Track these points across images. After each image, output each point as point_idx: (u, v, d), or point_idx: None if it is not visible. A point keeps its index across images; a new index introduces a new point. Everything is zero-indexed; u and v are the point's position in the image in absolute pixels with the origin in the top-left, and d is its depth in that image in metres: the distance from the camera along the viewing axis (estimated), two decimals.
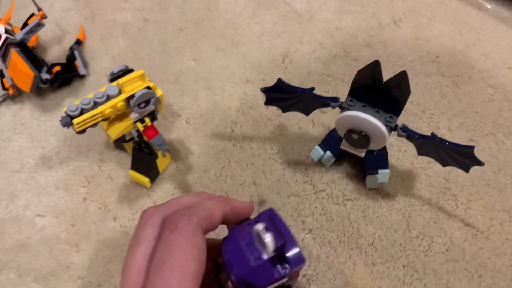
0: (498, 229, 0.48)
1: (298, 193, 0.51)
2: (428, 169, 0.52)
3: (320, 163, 0.53)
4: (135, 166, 0.51)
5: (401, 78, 0.42)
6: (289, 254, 0.33)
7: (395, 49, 0.62)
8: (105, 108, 0.43)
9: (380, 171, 0.49)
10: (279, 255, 0.33)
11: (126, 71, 0.45)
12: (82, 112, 0.42)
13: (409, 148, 0.54)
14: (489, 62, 0.61)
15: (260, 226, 0.33)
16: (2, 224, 0.49)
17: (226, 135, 0.56)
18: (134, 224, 0.49)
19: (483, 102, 0.57)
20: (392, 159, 0.53)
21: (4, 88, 0.57)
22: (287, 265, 0.33)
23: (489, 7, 0.67)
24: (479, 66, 0.61)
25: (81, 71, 0.59)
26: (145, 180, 0.50)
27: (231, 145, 0.55)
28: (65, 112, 0.42)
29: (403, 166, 0.53)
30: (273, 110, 0.57)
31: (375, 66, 0.42)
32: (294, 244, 0.33)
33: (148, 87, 0.44)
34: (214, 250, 0.35)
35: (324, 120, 0.56)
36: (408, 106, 0.56)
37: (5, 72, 0.56)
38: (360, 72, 0.43)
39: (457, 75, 0.60)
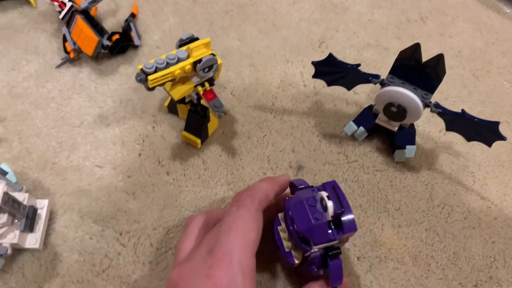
0: (510, 203, 0.54)
1: (333, 162, 0.57)
2: (450, 148, 0.58)
3: (353, 137, 0.58)
4: (189, 128, 0.56)
5: (439, 60, 0.48)
6: (345, 221, 0.38)
7: (422, 43, 0.68)
8: (176, 69, 0.48)
9: (408, 146, 0.55)
10: (336, 221, 0.39)
11: (193, 39, 0.51)
12: (156, 70, 0.47)
13: (433, 129, 0.60)
14: (506, 59, 0.67)
15: (324, 193, 0.39)
16: (64, 172, 0.54)
17: (268, 107, 0.61)
18: (185, 179, 0.54)
19: (500, 94, 0.64)
20: (417, 137, 0.59)
21: (65, 51, 0.62)
22: (340, 231, 0.39)
23: (508, 11, 0.74)
24: (496, 62, 0.67)
25: (136, 41, 0.65)
26: (197, 140, 0.56)
27: (272, 117, 0.60)
28: (141, 69, 0.47)
29: (428, 144, 0.59)
30: (311, 88, 0.63)
31: (416, 47, 0.48)
32: (350, 213, 0.39)
33: (213, 54, 0.50)
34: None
35: (357, 99, 0.62)
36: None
37: (68, 36, 0.61)
38: (402, 52, 0.49)
39: (476, 69, 0.66)
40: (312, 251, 0.39)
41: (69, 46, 0.62)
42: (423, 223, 0.52)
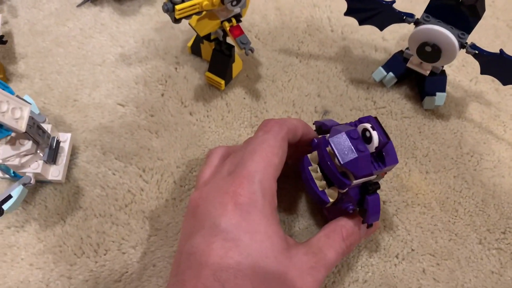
0: None
1: (360, 108, 0.55)
2: (480, 98, 0.57)
3: (381, 83, 0.57)
4: (212, 68, 0.54)
5: None
6: (387, 152, 0.37)
7: None
8: (204, 0, 0.46)
9: (438, 93, 0.53)
10: (377, 154, 0.37)
11: None
12: (183, 0, 0.45)
13: (463, 78, 0.58)
14: None
15: (368, 125, 0.37)
16: (86, 109, 0.54)
17: (293, 52, 0.59)
18: (208, 120, 0.53)
19: None
20: (448, 86, 0.57)
21: None
22: (381, 164, 0.38)
23: None
24: None
25: None
26: (221, 81, 0.54)
27: (298, 61, 0.59)
28: None
29: (458, 93, 0.57)
30: (338, 33, 0.61)
31: None
32: (392, 146, 0.37)
33: None
34: None
35: (386, 46, 0.60)
36: None
37: None
38: None
39: (510, 19, 0.64)
40: (351, 186, 0.38)
41: None
42: (451, 170, 0.51)
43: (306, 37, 0.61)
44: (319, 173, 0.41)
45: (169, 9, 0.45)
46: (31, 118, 0.41)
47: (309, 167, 0.41)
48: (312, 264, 0.36)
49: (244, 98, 0.55)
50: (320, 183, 0.41)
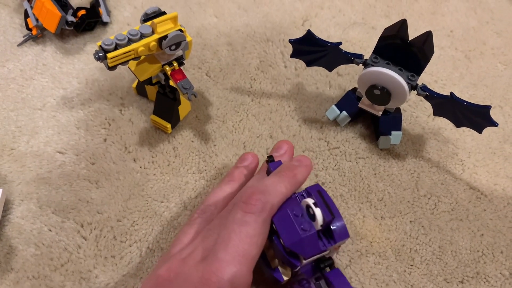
0: (501, 193, 0.51)
1: (313, 149, 0.53)
2: (438, 134, 0.55)
3: (335, 122, 0.55)
4: (158, 111, 0.52)
5: (426, 38, 0.44)
6: (336, 229, 0.35)
7: (412, 21, 0.64)
8: (139, 46, 0.44)
9: (393, 132, 0.51)
10: (325, 229, 0.35)
11: (159, 13, 0.46)
12: (116, 47, 0.43)
13: (420, 114, 0.56)
14: (500, 40, 0.63)
15: (310, 201, 0.35)
16: (23, 158, 0.50)
17: (245, 90, 0.57)
18: (154, 166, 0.50)
19: (493, 77, 0.60)
20: (404, 123, 0.55)
21: (28, 28, 0.58)
22: (331, 239, 0.35)
23: None
24: (491, 43, 0.63)
25: (105, 18, 0.60)
26: (167, 125, 0.52)
27: (250, 100, 0.56)
28: (100, 46, 0.43)
29: (415, 130, 0.55)
30: (292, 70, 0.59)
31: (402, 24, 0.44)
32: (341, 220, 0.35)
33: (180, 30, 0.46)
34: None
35: (340, 82, 0.58)
36: (422, 75, 0.58)
37: (30, 11, 0.57)
38: (387, 29, 0.45)
39: (469, 50, 0.62)
40: (301, 265, 0.36)
41: (31, 23, 0.57)
42: (408, 215, 0.49)
43: (258, 74, 0.58)
44: (271, 251, 0.38)
45: (101, 57, 0.43)
46: None
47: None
48: None
49: (193, 141, 0.53)
50: (273, 262, 0.38)
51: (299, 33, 0.62)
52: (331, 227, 0.35)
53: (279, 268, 0.38)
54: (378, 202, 0.50)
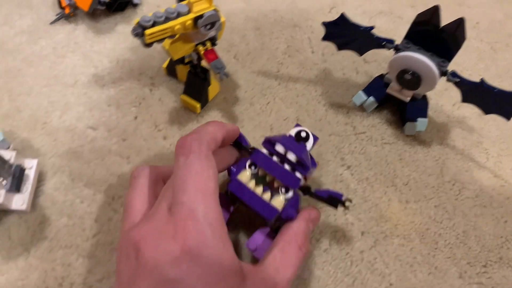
0: None
1: (339, 133, 0.54)
2: (463, 123, 0.55)
3: (361, 108, 0.55)
4: (188, 91, 0.53)
5: (459, 24, 0.44)
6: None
7: None
8: (175, 24, 0.44)
9: (419, 119, 0.52)
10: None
11: None
12: (154, 24, 0.44)
13: (445, 103, 0.57)
14: None
15: (298, 127, 0.43)
16: (56, 132, 0.52)
17: (273, 74, 0.58)
18: None
19: None
20: (429, 111, 0.55)
21: (60, 7, 0.59)
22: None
23: None
24: None
25: None
26: (196, 105, 0.52)
27: (277, 83, 0.57)
28: (138, 22, 0.43)
29: (440, 118, 0.55)
30: (319, 55, 0.60)
31: (435, 10, 0.45)
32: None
33: (215, 10, 0.46)
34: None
35: (367, 69, 0.59)
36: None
37: None
38: (420, 15, 0.46)
39: (495, 42, 0.63)
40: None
41: (64, 1, 0.58)
42: (432, 200, 0.50)
43: (285, 58, 0.59)
44: (260, 187, 0.41)
45: (139, 34, 0.43)
46: None
47: (238, 176, 0.41)
48: None
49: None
50: (265, 195, 0.40)
51: (326, 20, 0.63)
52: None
53: (272, 202, 0.40)
54: (403, 187, 0.50)
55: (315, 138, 0.44)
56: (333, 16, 0.63)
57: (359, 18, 0.63)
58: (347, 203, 0.41)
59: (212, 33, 0.48)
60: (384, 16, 0.64)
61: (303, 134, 0.43)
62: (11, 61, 0.56)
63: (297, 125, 0.44)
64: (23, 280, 0.43)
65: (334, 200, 0.41)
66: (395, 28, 0.62)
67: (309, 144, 0.43)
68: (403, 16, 0.64)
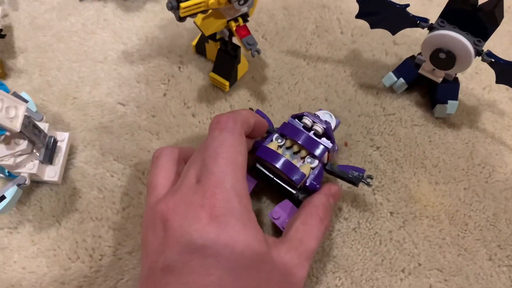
0: None
1: (369, 114, 0.53)
2: (494, 107, 0.54)
3: (391, 89, 0.55)
4: (217, 69, 0.53)
5: (498, 2, 0.43)
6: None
7: None
8: None
9: (449, 101, 0.51)
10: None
11: None
12: None
13: (476, 86, 0.56)
14: None
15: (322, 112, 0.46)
16: (86, 107, 0.52)
17: (301, 54, 0.58)
18: None
19: None
20: (459, 94, 0.55)
21: None
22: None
23: None
24: None
25: None
26: (225, 83, 0.52)
27: (305, 63, 0.57)
28: None
29: (470, 102, 0.55)
30: (348, 36, 0.59)
31: None
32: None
33: None
34: None
35: (397, 50, 0.58)
36: None
37: None
38: None
39: None
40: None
41: None
42: (462, 182, 0.49)
43: (314, 38, 0.59)
44: (288, 154, 0.43)
45: (174, 7, 0.43)
46: (26, 117, 0.40)
47: (269, 144, 0.43)
48: (295, 262, 0.35)
49: (249, 101, 0.54)
50: (293, 161, 0.43)
51: (354, 2, 0.62)
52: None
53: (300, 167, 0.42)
54: (433, 168, 0.50)
55: (338, 121, 0.46)
56: None
57: None
58: (368, 180, 0.43)
59: (244, 9, 0.48)
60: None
61: (326, 116, 0.46)
62: (42, 37, 0.57)
63: (320, 109, 0.47)
64: (55, 250, 0.44)
65: (356, 175, 0.43)
66: (425, 10, 0.61)
67: (332, 124, 0.45)
68: None
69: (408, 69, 0.53)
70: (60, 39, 0.57)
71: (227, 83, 0.52)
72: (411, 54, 0.54)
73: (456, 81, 0.52)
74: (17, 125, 0.38)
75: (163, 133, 0.51)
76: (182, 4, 0.43)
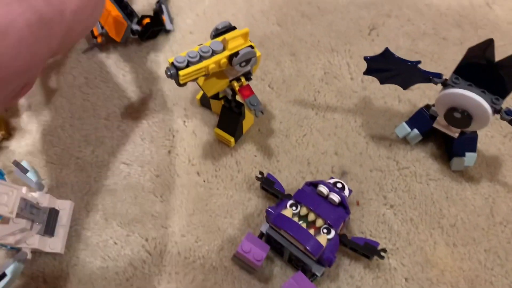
0: None
1: (381, 168, 0.51)
2: None
3: (404, 140, 0.52)
4: (222, 125, 0.51)
5: None
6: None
7: (486, 32, 0.60)
8: (210, 63, 0.43)
9: (467, 153, 0.48)
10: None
11: (230, 28, 0.45)
12: (188, 64, 0.42)
13: (496, 133, 0.53)
14: None
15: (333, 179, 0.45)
16: (89, 168, 0.51)
17: (309, 103, 0.55)
18: (217, 181, 0.50)
19: None
20: (478, 143, 0.52)
21: (93, 36, 0.58)
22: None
23: None
24: None
25: (168, 25, 0.60)
26: (231, 139, 0.51)
27: (314, 114, 0.55)
28: (172, 63, 0.42)
29: (489, 151, 0.52)
30: (358, 82, 0.57)
31: (489, 44, 0.41)
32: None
33: (251, 46, 0.44)
34: None
35: (410, 97, 0.55)
36: None
37: None
38: (471, 49, 0.42)
39: None
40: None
41: (97, 30, 0.57)
42: (482, 243, 0.46)
43: (323, 86, 0.56)
44: (304, 224, 0.41)
45: (172, 75, 0.42)
46: (22, 200, 0.39)
47: (283, 211, 0.42)
48: None
49: (256, 156, 0.52)
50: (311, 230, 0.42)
51: (365, 43, 0.60)
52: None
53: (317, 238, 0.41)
54: (451, 228, 0.47)
55: (350, 190, 0.45)
56: (372, 39, 0.60)
57: (401, 40, 0.60)
58: (382, 253, 0.42)
59: (247, 68, 0.46)
60: (428, 38, 0.60)
61: (339, 185, 0.44)
62: (45, 92, 0.56)
63: (332, 177, 0.46)
64: None
65: (370, 248, 0.42)
66: (440, 50, 0.59)
67: (346, 193, 0.44)
68: (448, 37, 0.60)
69: (422, 119, 0.50)
70: (63, 94, 0.56)
71: (232, 139, 0.51)
72: (426, 101, 0.52)
73: (474, 132, 0.49)
74: (12, 211, 0.37)
75: (167, 195, 0.49)
76: (181, 72, 0.42)
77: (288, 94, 0.56)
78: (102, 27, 0.57)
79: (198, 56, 0.42)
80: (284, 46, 0.60)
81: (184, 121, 0.54)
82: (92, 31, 0.58)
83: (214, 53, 0.43)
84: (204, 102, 0.54)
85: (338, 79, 0.57)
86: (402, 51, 0.59)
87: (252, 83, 0.55)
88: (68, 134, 0.53)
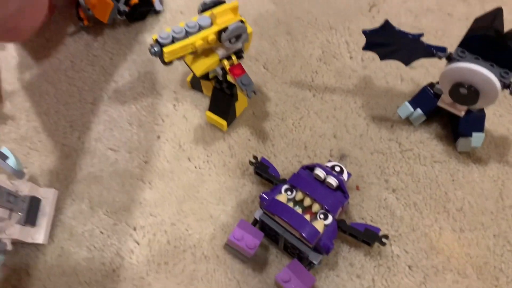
0: None
1: (383, 151, 0.48)
2: None
3: (407, 121, 0.49)
4: (213, 107, 0.48)
5: None
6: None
7: (494, 7, 0.57)
8: (196, 40, 0.40)
9: (474, 134, 0.45)
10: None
11: (218, 2, 0.42)
12: (173, 41, 0.39)
13: (505, 112, 0.50)
14: None
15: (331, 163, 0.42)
16: (74, 155, 0.48)
17: (306, 84, 0.53)
18: (209, 166, 0.47)
19: None
20: (486, 123, 0.49)
21: (79, 18, 0.55)
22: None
23: None
24: None
25: (157, 6, 0.57)
26: (223, 122, 0.48)
27: (311, 95, 0.52)
28: (156, 39, 0.39)
29: (498, 131, 0.49)
30: (358, 61, 0.54)
31: (497, 14, 0.38)
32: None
33: (241, 21, 0.41)
34: None
35: (413, 75, 0.52)
36: None
37: (82, 1, 0.54)
38: (478, 20, 0.39)
39: None
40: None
41: (83, 12, 0.55)
42: (491, 228, 0.44)
43: (321, 66, 0.54)
44: (299, 209, 0.39)
45: (156, 52, 0.39)
46: None
47: (277, 196, 0.40)
48: None
49: (249, 140, 0.49)
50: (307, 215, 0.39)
51: (365, 20, 0.57)
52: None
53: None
54: (457, 213, 0.44)
55: (349, 174, 0.42)
56: (373, 16, 0.57)
57: (403, 16, 0.57)
58: (384, 240, 0.40)
59: (238, 45, 0.43)
60: (432, 14, 0.57)
61: (337, 169, 0.42)
62: (29, 77, 0.54)
63: (329, 160, 0.44)
64: None
65: (371, 234, 0.40)
66: (445, 27, 0.55)
67: (344, 177, 0.42)
68: (453, 13, 0.57)
69: (426, 98, 0.47)
70: (48, 79, 0.53)
71: (224, 123, 0.48)
72: (429, 80, 0.49)
73: (481, 111, 0.46)
74: None
75: (156, 182, 0.47)
76: (166, 49, 0.39)
77: (284, 75, 0.53)
78: (89, 9, 0.54)
79: (184, 32, 0.40)
80: (280, 25, 0.57)
81: (174, 105, 0.51)
82: (78, 13, 0.55)
83: (201, 28, 0.41)
84: (195, 84, 0.52)
85: (336, 58, 0.54)
86: (404, 28, 0.55)
87: (246, 64, 0.53)
88: (53, 120, 0.51)
